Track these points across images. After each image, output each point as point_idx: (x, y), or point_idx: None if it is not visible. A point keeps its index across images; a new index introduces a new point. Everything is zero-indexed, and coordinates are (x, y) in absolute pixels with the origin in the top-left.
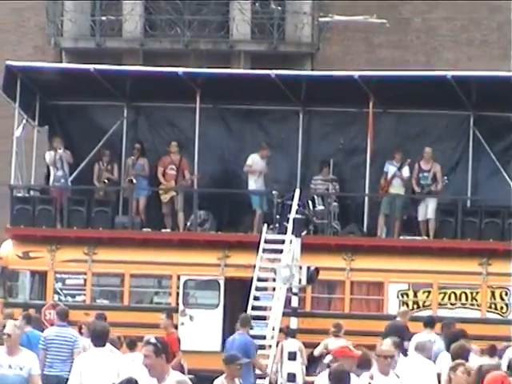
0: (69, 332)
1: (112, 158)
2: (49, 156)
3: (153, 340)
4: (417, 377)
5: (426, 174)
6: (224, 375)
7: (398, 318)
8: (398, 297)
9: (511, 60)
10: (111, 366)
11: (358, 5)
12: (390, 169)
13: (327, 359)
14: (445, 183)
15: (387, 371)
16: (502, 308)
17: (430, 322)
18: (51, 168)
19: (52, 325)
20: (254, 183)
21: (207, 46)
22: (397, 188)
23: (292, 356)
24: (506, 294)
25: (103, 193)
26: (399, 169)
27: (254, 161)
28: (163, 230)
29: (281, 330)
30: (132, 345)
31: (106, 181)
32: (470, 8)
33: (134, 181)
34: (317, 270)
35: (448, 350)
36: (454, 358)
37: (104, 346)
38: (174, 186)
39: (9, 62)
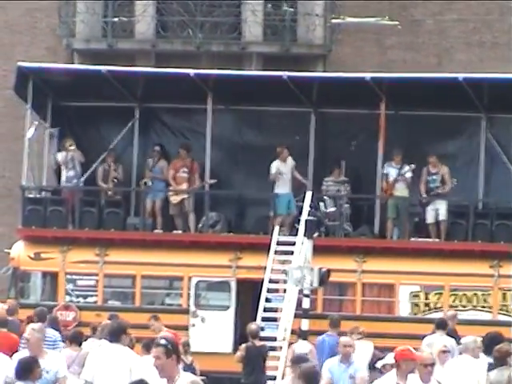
0: (49, 332)
1: (117, 159)
2: (61, 156)
3: (163, 341)
4: (465, 378)
5: (434, 177)
6: (291, 376)
7: None
8: (409, 299)
9: None
10: (124, 362)
11: (369, 6)
12: (390, 171)
13: (380, 364)
14: (453, 185)
15: (428, 379)
16: None
17: (441, 324)
18: (63, 168)
19: (64, 326)
20: (281, 189)
21: (219, 47)
22: (400, 190)
23: None
24: None
25: (112, 193)
26: (400, 170)
27: (278, 167)
28: (174, 232)
29: (294, 332)
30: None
31: (115, 180)
32: (482, 10)
33: (149, 183)
34: (328, 271)
35: (488, 352)
36: (497, 360)
37: (118, 342)
38: (187, 189)
39: (21, 63)
